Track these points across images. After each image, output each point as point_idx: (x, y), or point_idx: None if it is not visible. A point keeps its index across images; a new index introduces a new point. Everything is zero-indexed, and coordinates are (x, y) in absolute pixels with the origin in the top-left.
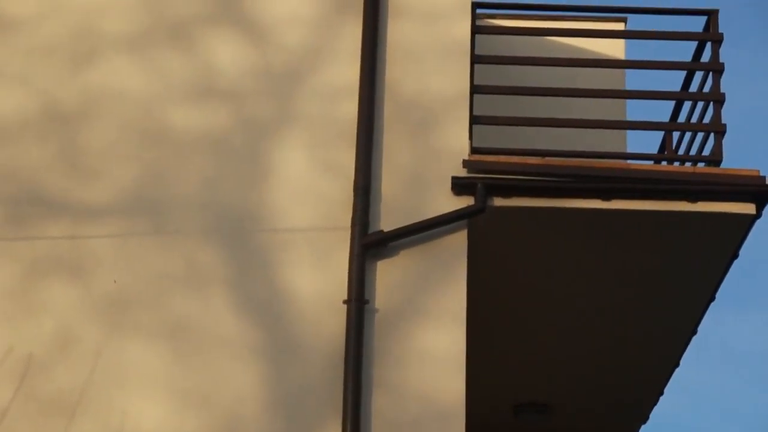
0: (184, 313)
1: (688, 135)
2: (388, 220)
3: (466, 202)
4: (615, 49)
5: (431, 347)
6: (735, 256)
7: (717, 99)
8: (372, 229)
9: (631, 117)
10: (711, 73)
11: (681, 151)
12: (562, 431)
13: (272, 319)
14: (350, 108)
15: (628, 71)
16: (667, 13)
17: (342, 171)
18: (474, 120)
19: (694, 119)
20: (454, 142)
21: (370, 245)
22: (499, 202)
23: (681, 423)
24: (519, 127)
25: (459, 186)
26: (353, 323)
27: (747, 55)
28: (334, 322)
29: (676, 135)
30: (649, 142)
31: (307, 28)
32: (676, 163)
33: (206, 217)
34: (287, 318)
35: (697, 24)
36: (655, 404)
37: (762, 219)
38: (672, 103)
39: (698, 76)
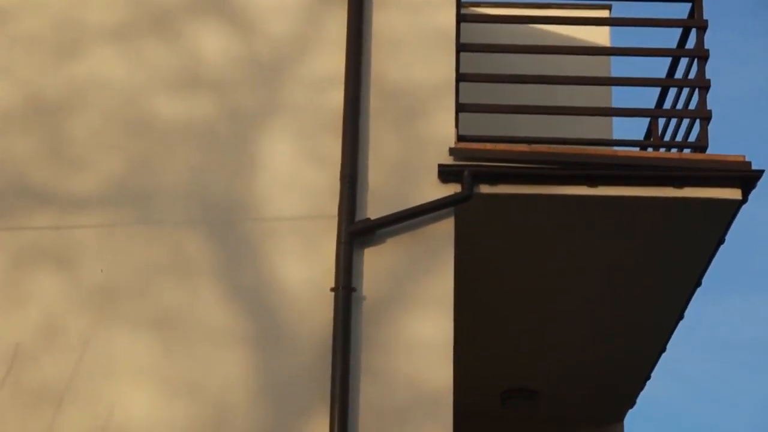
0: (171, 303)
1: (673, 121)
2: (375, 208)
3: (452, 189)
4: (600, 36)
5: (419, 334)
6: (721, 241)
7: (702, 85)
8: (359, 218)
9: (616, 104)
10: (696, 60)
11: (667, 138)
12: (549, 417)
13: (260, 308)
14: (336, 97)
15: (614, 58)
16: None
17: (328, 160)
18: (460, 108)
19: (679, 106)
20: (441, 130)
21: (357, 233)
22: (485, 189)
23: (671, 407)
24: (505, 115)
25: (445, 174)
26: (341, 311)
27: (732, 40)
28: (321, 310)
29: (661, 121)
30: (634, 128)
31: (292, 18)
32: (662, 150)
33: (192, 206)
34: (275, 306)
35: (681, 10)
36: (641, 389)
37: (748, 204)
38: (657, 90)
39: (683, 62)
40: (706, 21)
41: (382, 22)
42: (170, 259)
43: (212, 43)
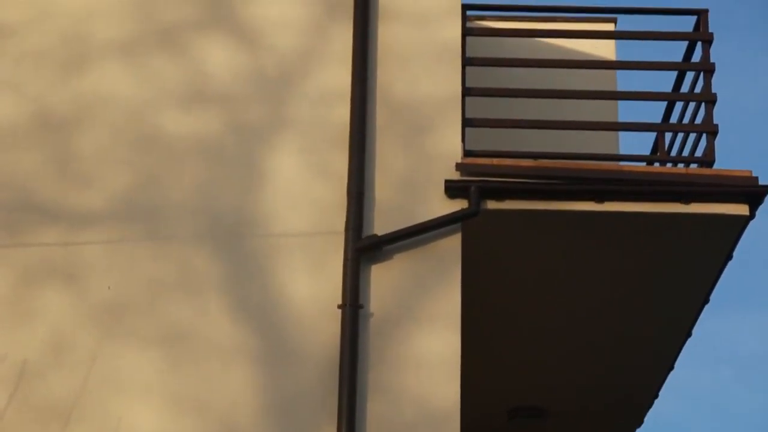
0: (178, 319)
1: (680, 136)
2: (382, 224)
3: (459, 205)
4: (605, 49)
5: (426, 351)
6: (729, 257)
7: (708, 99)
8: (366, 234)
9: (622, 118)
10: (702, 73)
11: (673, 152)
12: None
13: (267, 325)
14: (342, 112)
15: (619, 72)
16: (657, 13)
17: (335, 175)
18: (466, 122)
19: (685, 120)
20: (447, 145)
21: (364, 249)
22: (492, 204)
23: (678, 425)
24: (511, 129)
25: (452, 189)
26: (348, 328)
27: (738, 54)
28: (328, 326)
29: (668, 136)
30: (641, 143)
31: (298, 32)
32: (669, 165)
33: (199, 222)
34: (282, 323)
35: (687, 24)
36: (650, 407)
37: (755, 220)
38: (664, 104)
39: (689, 76)
40: (712, 34)
41: (387, 36)
42: (177, 275)
43: (219, 58)
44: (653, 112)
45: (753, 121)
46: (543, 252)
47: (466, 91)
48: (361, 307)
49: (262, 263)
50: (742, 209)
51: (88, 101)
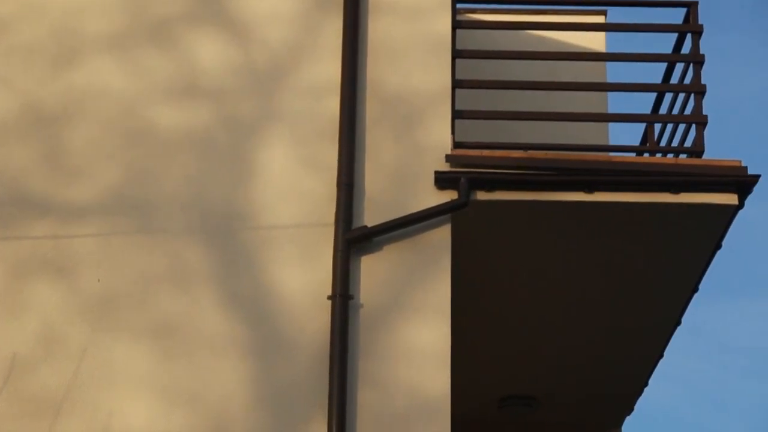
0: (169, 312)
1: (669, 127)
2: (372, 216)
3: (449, 196)
4: (596, 42)
5: (416, 341)
6: (718, 246)
7: (698, 90)
8: (356, 225)
9: (612, 109)
10: (692, 65)
11: (663, 143)
12: (547, 423)
13: (258, 316)
14: (333, 104)
15: (609, 64)
16: (647, 5)
17: (325, 167)
18: (456, 114)
19: (675, 111)
20: (437, 137)
21: (354, 241)
22: (482, 196)
23: (673, 413)
24: (501, 121)
25: (442, 180)
26: (338, 319)
27: (728, 45)
28: (319, 317)
29: (657, 127)
30: (631, 134)
31: (288, 25)
32: (659, 155)
33: (190, 215)
34: (273, 315)
35: (677, 15)
36: (639, 395)
37: (744, 209)
38: (653, 95)
39: (679, 67)
40: (702, 26)
41: (377, 29)
42: (168, 267)
43: (209, 52)
44: (643, 103)
45: (742, 112)
46: (533, 242)
47: (456, 84)
48: (351, 298)
49: (252, 255)
50: (731, 198)
51: (79, 95)
